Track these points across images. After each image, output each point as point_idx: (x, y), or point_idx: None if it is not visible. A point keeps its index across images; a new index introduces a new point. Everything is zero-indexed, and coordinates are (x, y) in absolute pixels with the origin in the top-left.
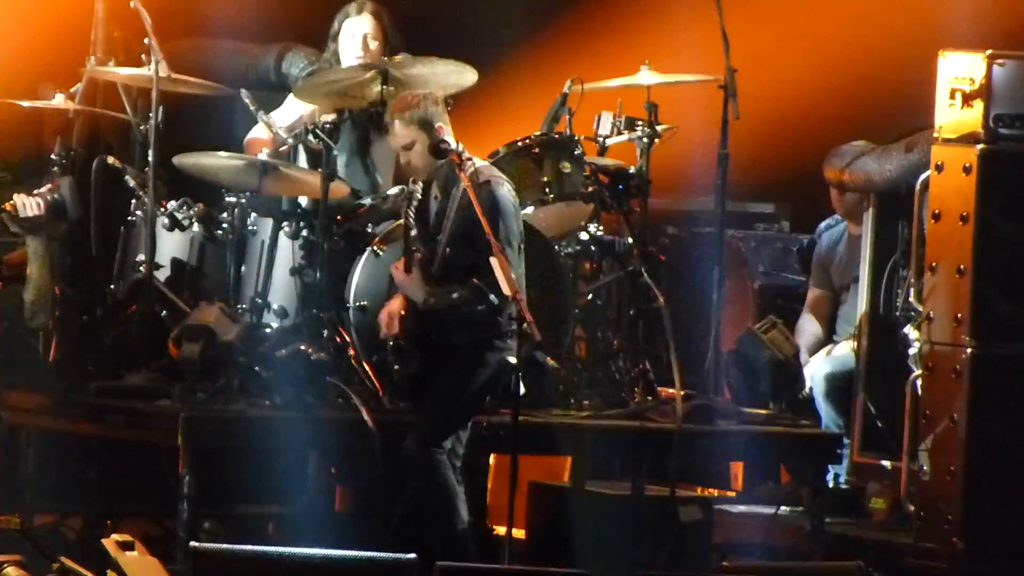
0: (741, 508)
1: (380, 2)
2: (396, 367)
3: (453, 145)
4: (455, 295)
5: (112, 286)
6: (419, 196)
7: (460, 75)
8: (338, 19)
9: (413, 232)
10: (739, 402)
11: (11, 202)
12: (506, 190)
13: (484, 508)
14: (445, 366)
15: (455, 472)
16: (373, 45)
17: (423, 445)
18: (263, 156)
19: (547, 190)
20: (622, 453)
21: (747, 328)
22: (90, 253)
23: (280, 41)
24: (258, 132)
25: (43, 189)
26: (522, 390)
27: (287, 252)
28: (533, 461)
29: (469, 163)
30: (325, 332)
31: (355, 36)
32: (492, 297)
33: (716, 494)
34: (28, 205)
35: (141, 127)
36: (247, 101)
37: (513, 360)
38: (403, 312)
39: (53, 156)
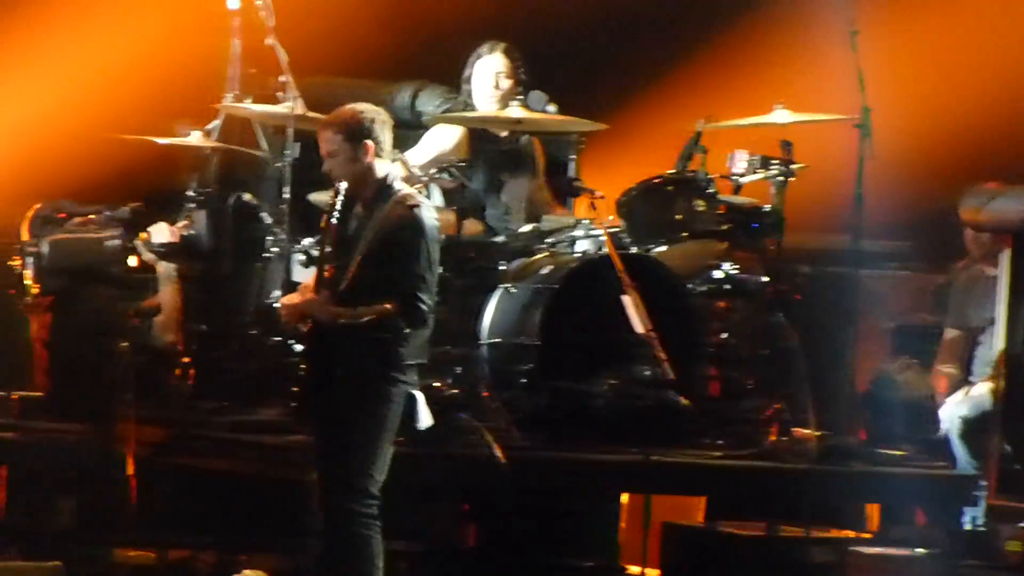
0: (875, 550)
1: (512, 40)
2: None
3: (389, 171)
4: (364, 318)
5: (247, 319)
6: (338, 209)
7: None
8: (470, 61)
9: (327, 249)
10: (873, 443)
11: (145, 232)
12: (432, 216)
13: (616, 547)
14: (345, 410)
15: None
16: (505, 84)
17: (355, 498)
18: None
19: (680, 228)
20: (755, 493)
21: (882, 368)
22: (226, 289)
23: (414, 79)
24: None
25: (179, 224)
26: (427, 421)
27: None
28: (666, 501)
29: (398, 189)
30: (457, 368)
31: (487, 76)
32: (399, 323)
33: (850, 535)
34: (161, 232)
35: (276, 164)
36: None
37: (416, 392)
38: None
39: (189, 193)
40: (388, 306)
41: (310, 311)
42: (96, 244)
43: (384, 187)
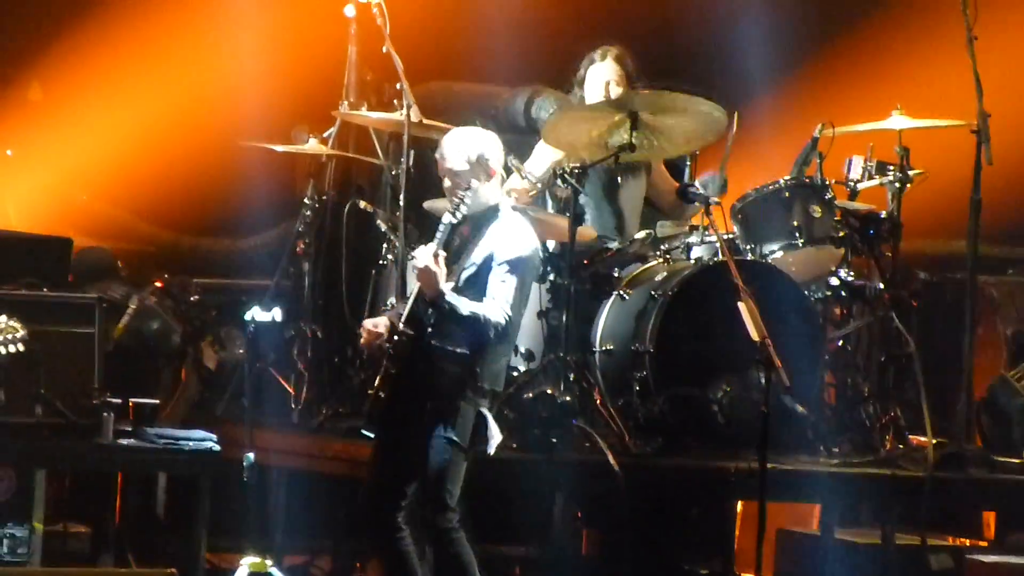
0: (993, 557)
1: (625, 47)
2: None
3: (501, 196)
4: (466, 309)
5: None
6: (461, 214)
7: (707, 127)
8: (583, 65)
9: (455, 238)
10: (991, 450)
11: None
12: (535, 244)
13: (731, 555)
14: (422, 425)
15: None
16: (616, 91)
17: (439, 514)
18: (511, 200)
19: (797, 234)
20: (872, 501)
21: (1000, 375)
22: (341, 295)
23: (530, 84)
24: (515, 183)
25: (219, 352)
26: (498, 439)
27: (534, 295)
28: (781, 508)
29: (507, 215)
30: (571, 375)
31: (599, 82)
32: (491, 332)
33: (968, 543)
34: (209, 356)
35: (392, 171)
36: None
37: (486, 411)
38: (403, 327)
39: (306, 200)
40: (486, 306)
41: (423, 278)
42: (165, 328)
43: (495, 210)
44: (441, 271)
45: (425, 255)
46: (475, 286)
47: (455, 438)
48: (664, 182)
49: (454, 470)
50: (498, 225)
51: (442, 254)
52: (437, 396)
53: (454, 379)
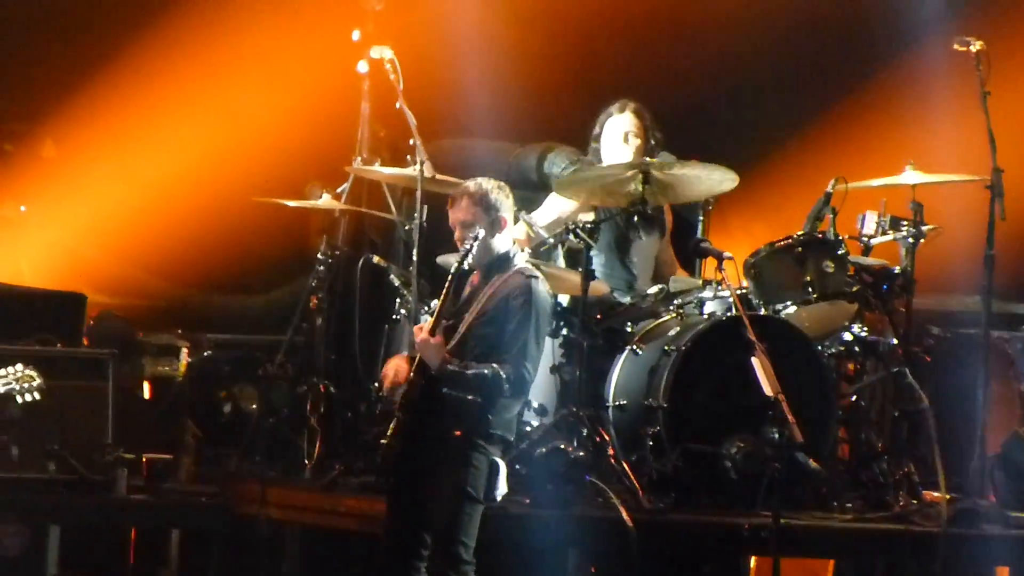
0: None
1: (642, 101)
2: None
3: (511, 246)
4: (471, 371)
5: (375, 383)
6: (462, 268)
7: (721, 179)
8: (600, 119)
9: (447, 301)
10: (1005, 506)
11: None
12: (546, 290)
13: None
14: (435, 476)
15: None
16: (634, 143)
17: (453, 569)
18: (523, 252)
19: (810, 289)
20: (886, 557)
21: (1014, 431)
22: (354, 350)
23: (541, 141)
24: (517, 232)
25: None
26: (504, 490)
27: (547, 350)
28: (795, 564)
29: (517, 262)
30: (584, 430)
31: (616, 134)
32: (506, 387)
33: None
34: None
35: (405, 226)
36: None
37: (499, 461)
38: (411, 375)
39: (319, 255)
40: (495, 367)
41: (423, 351)
42: None
43: (505, 259)
44: (439, 343)
45: (423, 330)
46: (486, 336)
47: (469, 489)
48: (667, 252)
49: (468, 522)
50: (510, 275)
51: (442, 323)
52: (449, 447)
53: (465, 428)
